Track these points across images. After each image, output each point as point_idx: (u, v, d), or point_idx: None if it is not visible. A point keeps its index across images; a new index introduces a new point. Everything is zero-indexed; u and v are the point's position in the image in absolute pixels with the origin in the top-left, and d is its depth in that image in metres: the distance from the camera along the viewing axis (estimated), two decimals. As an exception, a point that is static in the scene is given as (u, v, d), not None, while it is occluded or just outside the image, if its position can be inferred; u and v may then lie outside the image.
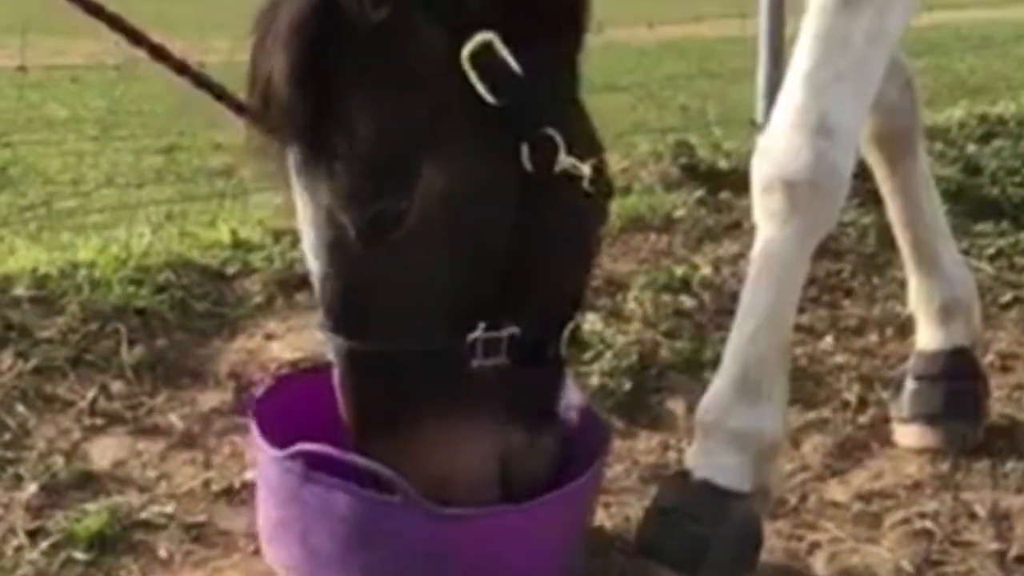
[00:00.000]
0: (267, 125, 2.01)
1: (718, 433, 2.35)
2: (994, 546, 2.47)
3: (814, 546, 2.48)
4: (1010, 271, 3.76)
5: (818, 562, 2.43)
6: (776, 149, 2.32)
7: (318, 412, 2.16)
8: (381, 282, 2.00)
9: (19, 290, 3.12)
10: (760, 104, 4.95)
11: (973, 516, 2.58)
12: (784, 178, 2.29)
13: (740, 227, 3.81)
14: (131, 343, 3.00)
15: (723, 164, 4.33)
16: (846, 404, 3.02)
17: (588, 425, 2.29)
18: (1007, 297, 3.60)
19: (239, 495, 2.54)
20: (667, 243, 3.83)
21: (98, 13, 1.97)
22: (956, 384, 2.85)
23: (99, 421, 2.78)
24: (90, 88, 15.10)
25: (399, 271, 1.99)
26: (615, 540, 2.45)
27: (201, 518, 2.49)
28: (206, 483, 2.61)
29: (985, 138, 4.98)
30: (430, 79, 1.95)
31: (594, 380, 2.97)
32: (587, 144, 2.08)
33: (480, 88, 1.94)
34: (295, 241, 3.34)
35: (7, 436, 2.69)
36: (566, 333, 2.11)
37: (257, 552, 2.30)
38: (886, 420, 2.92)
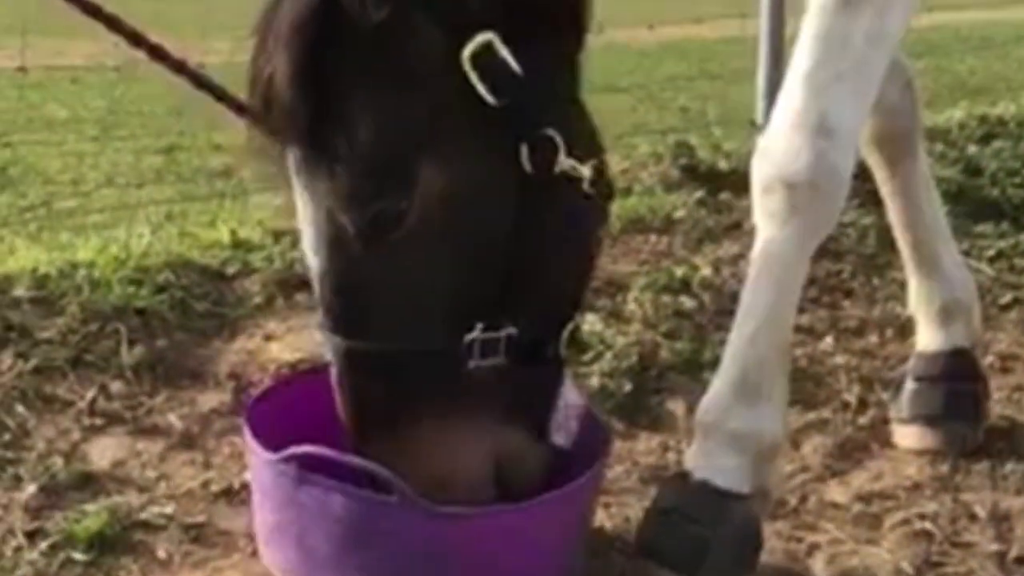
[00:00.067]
0: (268, 126, 2.01)
1: (718, 434, 2.35)
2: (994, 547, 2.47)
3: (814, 547, 2.48)
4: (1010, 272, 3.76)
5: (818, 563, 2.43)
6: (776, 150, 2.31)
7: (315, 414, 2.16)
8: (380, 282, 2.00)
9: (19, 290, 3.12)
10: (760, 105, 4.95)
11: (973, 517, 2.58)
12: (784, 179, 2.29)
13: (740, 228, 3.81)
14: (131, 343, 2.99)
15: (723, 165, 4.33)
16: (846, 405, 3.02)
17: (588, 426, 2.29)
18: (1007, 298, 3.60)
19: (238, 495, 2.54)
20: (667, 244, 3.83)
21: (96, 13, 1.97)
22: (956, 385, 2.85)
23: (98, 421, 2.78)
24: (90, 89, 15.10)
25: (398, 271, 1.99)
26: (615, 541, 2.45)
27: (200, 518, 2.49)
28: (205, 483, 2.60)
29: (985, 139, 4.98)
30: (430, 79, 1.95)
31: (594, 381, 2.97)
32: (587, 145, 2.08)
33: (480, 88, 1.94)
34: (295, 241, 3.33)
35: (6, 436, 2.69)
36: (565, 334, 2.11)
37: (256, 553, 2.29)
38: (886, 421, 2.92)
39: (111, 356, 2.96)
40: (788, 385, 2.43)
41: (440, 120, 1.96)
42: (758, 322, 2.34)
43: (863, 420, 2.95)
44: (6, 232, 5.41)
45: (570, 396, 2.24)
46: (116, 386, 2.89)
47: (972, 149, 4.79)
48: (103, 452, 2.69)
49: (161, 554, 2.38)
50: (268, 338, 3.14)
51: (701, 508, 2.29)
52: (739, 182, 3.57)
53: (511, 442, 2.08)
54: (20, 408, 2.78)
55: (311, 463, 2.08)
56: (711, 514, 2.28)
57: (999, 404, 3.00)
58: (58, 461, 2.63)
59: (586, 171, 2.04)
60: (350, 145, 1.94)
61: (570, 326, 2.12)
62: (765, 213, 2.33)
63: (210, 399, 2.89)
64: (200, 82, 2.09)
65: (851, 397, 3.04)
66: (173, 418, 2.82)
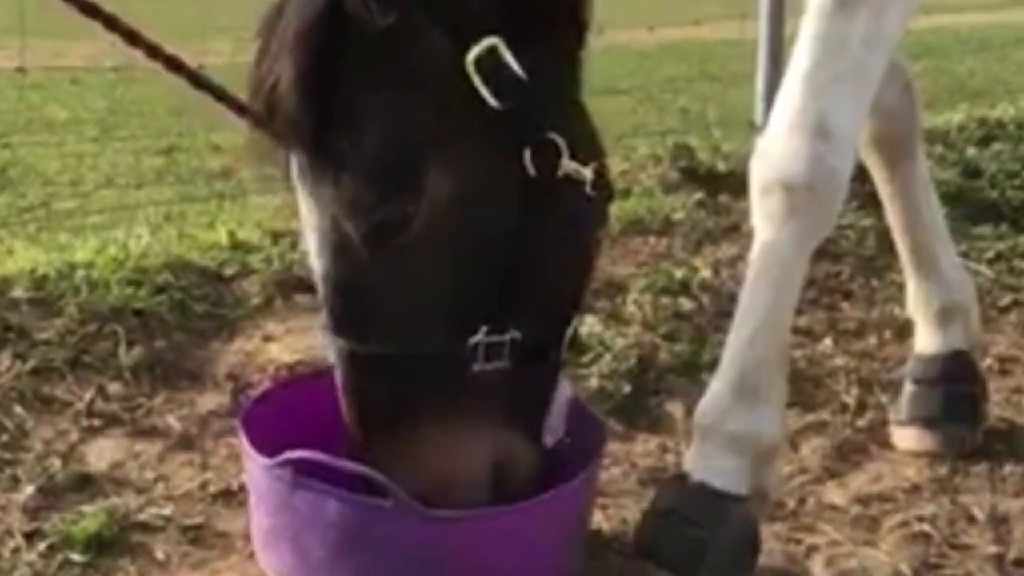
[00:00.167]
0: (272, 131, 2.01)
1: (716, 436, 2.34)
2: (992, 549, 2.47)
3: (812, 549, 2.48)
4: (1009, 274, 3.76)
5: (816, 565, 2.43)
6: (775, 151, 2.31)
7: (313, 417, 2.16)
8: (385, 285, 2.00)
9: (17, 291, 3.12)
10: (759, 106, 4.96)
11: (971, 519, 2.58)
12: (782, 180, 2.29)
13: (739, 230, 3.81)
14: (129, 344, 2.99)
15: (722, 167, 4.34)
16: (844, 407, 3.02)
17: (585, 425, 2.29)
18: (1006, 300, 3.60)
19: (237, 497, 2.54)
20: (666, 245, 3.83)
21: (94, 13, 1.97)
22: (954, 387, 2.85)
23: (97, 422, 2.78)
24: (90, 90, 15.08)
25: (403, 275, 1.99)
26: (613, 542, 2.45)
27: (198, 520, 2.49)
28: (203, 485, 2.60)
29: (984, 141, 4.98)
30: (435, 84, 1.95)
31: (593, 382, 2.97)
32: (589, 147, 2.08)
33: (484, 93, 1.94)
34: (294, 242, 3.34)
35: (4, 437, 2.69)
36: (567, 336, 2.11)
37: (254, 555, 2.29)
38: (884, 423, 2.92)
39: (109, 357, 2.96)
40: (786, 387, 2.43)
41: (445, 125, 1.95)
42: (757, 324, 2.34)
43: (862, 422, 2.95)
44: (5, 233, 5.41)
45: (565, 394, 2.24)
46: (114, 387, 2.89)
47: (971, 151, 4.80)
48: (101, 453, 2.69)
49: (159, 555, 2.38)
50: (267, 339, 3.14)
51: (699, 510, 2.29)
52: (738, 184, 3.57)
53: (509, 444, 2.08)
54: (18, 409, 2.77)
55: (307, 467, 2.08)
56: (709, 516, 2.28)
57: (998, 406, 3.00)
58: (56, 462, 2.62)
59: (588, 174, 2.04)
60: (356, 151, 1.93)
61: (571, 328, 2.12)
62: (764, 215, 2.33)
63: (208, 400, 2.89)
64: (199, 82, 2.09)
65: (850, 399, 3.04)
66: (171, 419, 2.81)
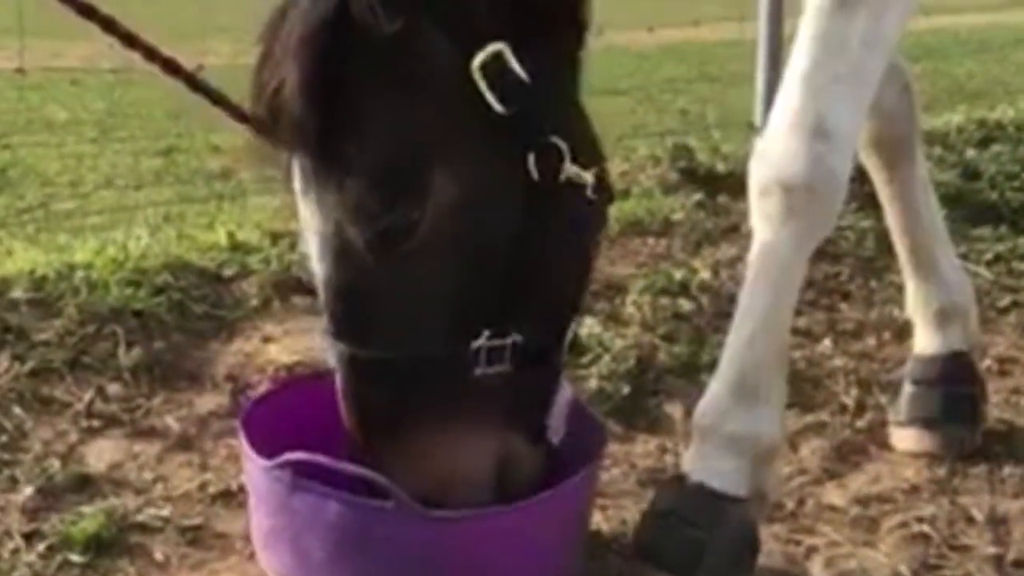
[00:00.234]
0: (272, 136, 2.00)
1: (715, 437, 2.34)
2: (991, 550, 2.47)
3: (811, 550, 2.48)
4: (1008, 276, 3.76)
5: (815, 566, 2.43)
6: (773, 152, 2.31)
7: (314, 418, 2.16)
8: (387, 290, 1.99)
9: (16, 292, 3.12)
10: (758, 107, 4.95)
11: (971, 520, 2.58)
12: (781, 181, 2.29)
13: (738, 230, 3.81)
14: (128, 345, 2.99)
15: (721, 167, 4.34)
16: (844, 408, 3.02)
17: (584, 426, 2.29)
18: (1005, 301, 3.60)
19: (236, 498, 2.54)
20: (665, 246, 3.83)
21: (91, 15, 1.97)
22: (954, 388, 2.85)
23: (96, 423, 2.78)
24: (89, 91, 15.10)
25: (406, 279, 1.98)
26: (612, 543, 2.45)
27: (197, 521, 2.49)
28: (202, 486, 2.60)
29: (983, 143, 4.99)
30: (440, 90, 1.94)
31: (592, 383, 2.96)
32: (589, 150, 2.08)
33: (490, 98, 1.93)
34: (293, 243, 3.34)
35: (3, 438, 2.69)
36: (568, 338, 2.11)
37: (253, 555, 2.29)
38: (884, 424, 2.92)
39: (108, 358, 2.96)
40: (786, 387, 2.43)
41: (451, 130, 1.95)
42: (756, 325, 2.34)
43: (861, 423, 2.95)
44: (4, 234, 5.42)
45: (565, 396, 2.24)
46: (113, 388, 2.89)
47: (970, 153, 4.80)
48: (100, 454, 2.69)
49: (158, 556, 2.38)
50: (266, 340, 3.14)
51: (698, 511, 2.29)
52: (737, 184, 3.57)
53: (511, 445, 2.08)
54: (17, 410, 2.77)
55: (308, 468, 2.08)
56: (708, 517, 2.28)
57: (997, 407, 3.00)
58: (55, 463, 2.62)
59: (589, 177, 2.04)
60: (360, 156, 1.93)
61: (571, 331, 2.12)
62: (762, 216, 2.33)
63: (207, 401, 2.89)
64: (196, 85, 2.09)
65: (849, 400, 3.04)
66: (170, 420, 2.81)
